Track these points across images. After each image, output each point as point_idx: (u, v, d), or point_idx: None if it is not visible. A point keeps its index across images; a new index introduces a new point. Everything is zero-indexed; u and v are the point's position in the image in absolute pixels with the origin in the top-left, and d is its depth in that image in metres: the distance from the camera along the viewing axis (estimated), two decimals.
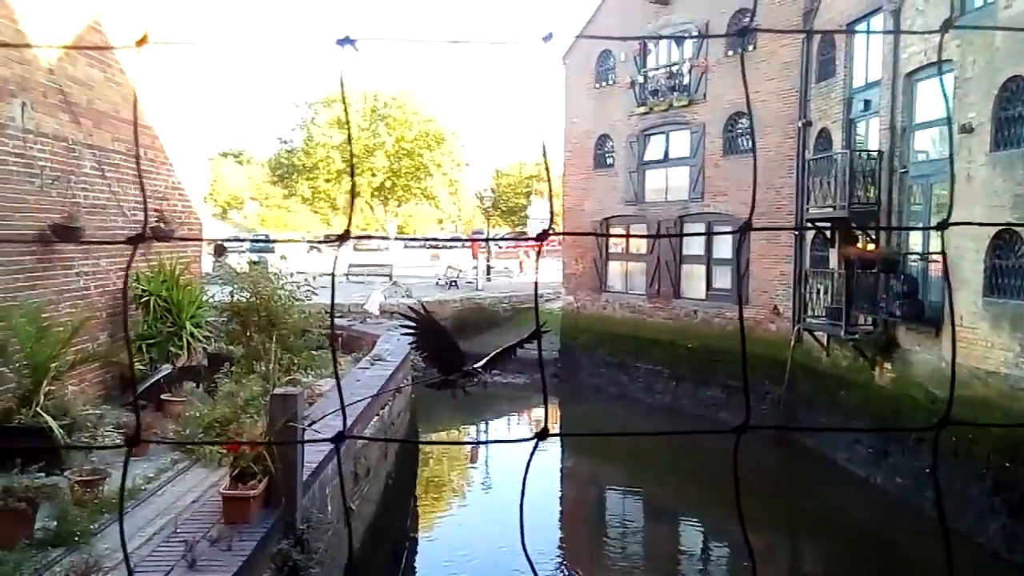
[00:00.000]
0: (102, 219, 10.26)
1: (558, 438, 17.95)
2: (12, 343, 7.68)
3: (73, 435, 7.38)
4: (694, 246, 20.25)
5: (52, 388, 7.60)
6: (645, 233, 21.09)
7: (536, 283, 1.33)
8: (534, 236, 1.07)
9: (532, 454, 1.12)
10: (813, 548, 12.93)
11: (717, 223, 19.29)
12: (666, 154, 21.04)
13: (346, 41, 1.03)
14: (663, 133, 21.06)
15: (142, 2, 10.90)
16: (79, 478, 6.49)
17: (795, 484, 14.64)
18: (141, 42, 1.05)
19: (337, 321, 15.14)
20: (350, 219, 1.12)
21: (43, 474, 6.34)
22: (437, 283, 29.59)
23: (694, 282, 20.15)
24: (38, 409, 7.26)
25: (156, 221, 11.61)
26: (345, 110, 1.28)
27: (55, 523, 5.77)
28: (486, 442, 18.26)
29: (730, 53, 18.96)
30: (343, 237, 1.08)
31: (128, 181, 10.99)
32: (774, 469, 14.43)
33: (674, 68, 20.59)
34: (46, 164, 9.01)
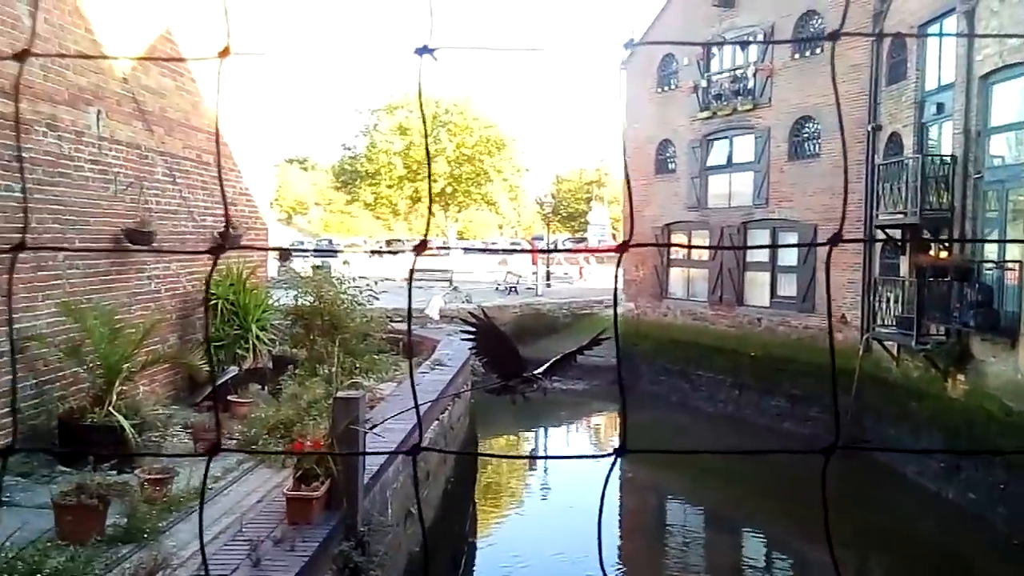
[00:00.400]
0: (173, 224, 10.55)
1: (615, 433, 17.79)
2: (86, 344, 7.94)
3: (143, 434, 7.60)
4: (758, 253, 19.90)
5: (124, 388, 7.83)
6: (708, 240, 20.81)
7: (615, 292, 1.29)
8: (615, 247, 1.03)
9: (610, 472, 1.08)
10: (881, 563, 12.55)
11: (782, 229, 18.93)
12: (729, 159, 20.75)
13: (424, 50, 1.02)
14: (726, 138, 20.77)
15: (211, 11, 11.19)
16: (148, 476, 6.65)
17: (864, 497, 14.22)
18: (223, 53, 1.06)
19: (397, 325, 15.28)
20: (427, 228, 1.10)
21: (114, 472, 6.53)
22: (497, 288, 29.67)
23: (758, 289, 19.80)
24: (110, 408, 7.48)
25: (224, 226, 11.90)
26: (424, 120, 1.27)
27: (125, 520, 5.92)
28: (562, 457, 18.19)
29: (796, 56, 18.61)
30: (420, 247, 1.06)
31: (197, 187, 11.28)
32: (842, 481, 14.04)
33: (738, 72, 20.29)
34: (120, 171, 9.30)
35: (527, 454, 18.06)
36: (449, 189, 58.30)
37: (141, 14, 9.56)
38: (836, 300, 17.17)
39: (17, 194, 7.52)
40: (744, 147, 20.20)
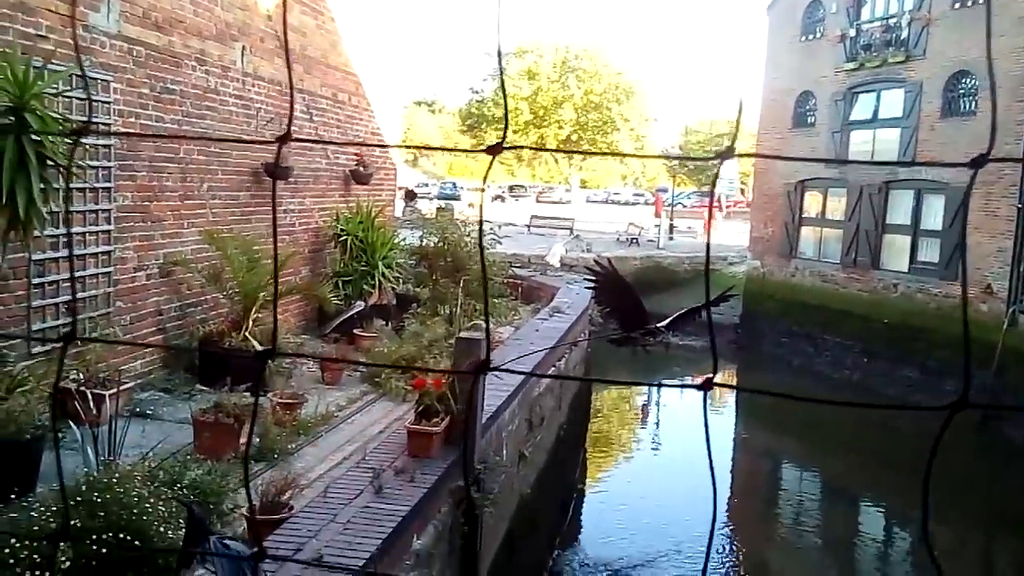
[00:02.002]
0: (309, 160, 10.86)
1: (732, 393, 17.46)
2: (226, 271, 8.33)
3: (275, 361, 7.94)
4: (899, 214, 18.80)
5: (259, 315, 8.20)
6: (845, 200, 19.81)
7: (708, 244, 1.19)
8: (486, 148, 0.93)
9: (705, 405, 1.03)
10: (1009, 546, 11.89)
11: (928, 191, 17.80)
12: (875, 114, 19.56)
13: None
14: (873, 91, 19.55)
15: None
16: (280, 400, 6.97)
17: (995, 476, 13.49)
18: None
19: (517, 271, 15.34)
20: (505, 130, 1.02)
21: (248, 394, 6.87)
22: (618, 239, 29.34)
23: (896, 253, 18.75)
24: (246, 334, 7.85)
25: (356, 164, 12.17)
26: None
27: (257, 440, 6.23)
28: (654, 384, 18.00)
29: (956, 5, 17.21)
30: (494, 148, 0.98)
31: (332, 125, 11.55)
32: (973, 458, 13.32)
33: (892, 21, 18.98)
34: (261, 106, 9.61)
35: (621, 380, 17.88)
36: (575, 137, 57.78)
37: None
38: (982, 269, 16.08)
39: (169, 125, 7.89)
40: (892, 102, 18.97)
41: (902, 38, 18.60)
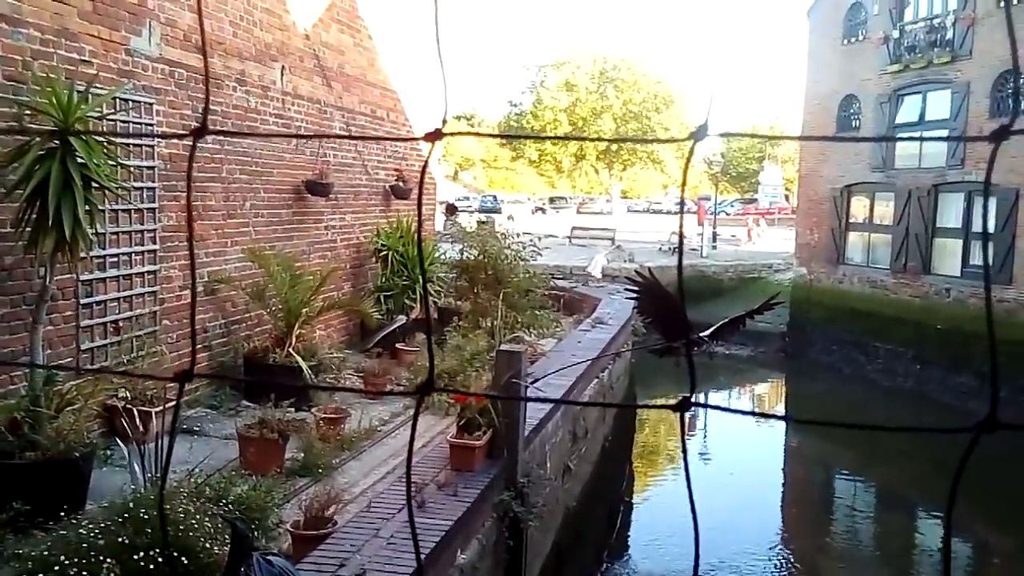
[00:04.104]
0: (348, 176, 10.95)
1: (782, 401, 17.14)
2: (269, 288, 8.41)
3: (319, 375, 7.99)
4: (949, 217, 18.35)
5: (302, 331, 8.26)
6: (893, 204, 19.39)
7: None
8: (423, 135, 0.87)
9: (682, 425, 0.95)
10: None
11: (978, 193, 17.35)
12: (922, 116, 19.15)
13: None
14: (919, 93, 19.15)
15: None
16: (324, 415, 7.00)
17: None
18: None
19: (559, 283, 15.26)
20: (446, 112, 0.97)
21: (293, 409, 6.91)
22: (660, 248, 29.10)
23: (948, 258, 18.29)
24: (290, 350, 7.91)
25: (396, 180, 12.24)
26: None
27: (302, 455, 6.26)
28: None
29: (1001, 3, 16.81)
30: (433, 135, 0.93)
31: (370, 141, 11.64)
32: None
33: (936, 21, 18.59)
34: (301, 124, 9.72)
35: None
36: (614, 147, 57.57)
37: None
38: None
39: (211, 145, 8.01)
40: (939, 103, 18.55)
41: (947, 38, 18.21)
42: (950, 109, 18.12)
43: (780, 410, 17.11)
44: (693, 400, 0.90)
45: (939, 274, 18.37)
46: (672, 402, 0.90)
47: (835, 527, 12.16)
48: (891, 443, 14.86)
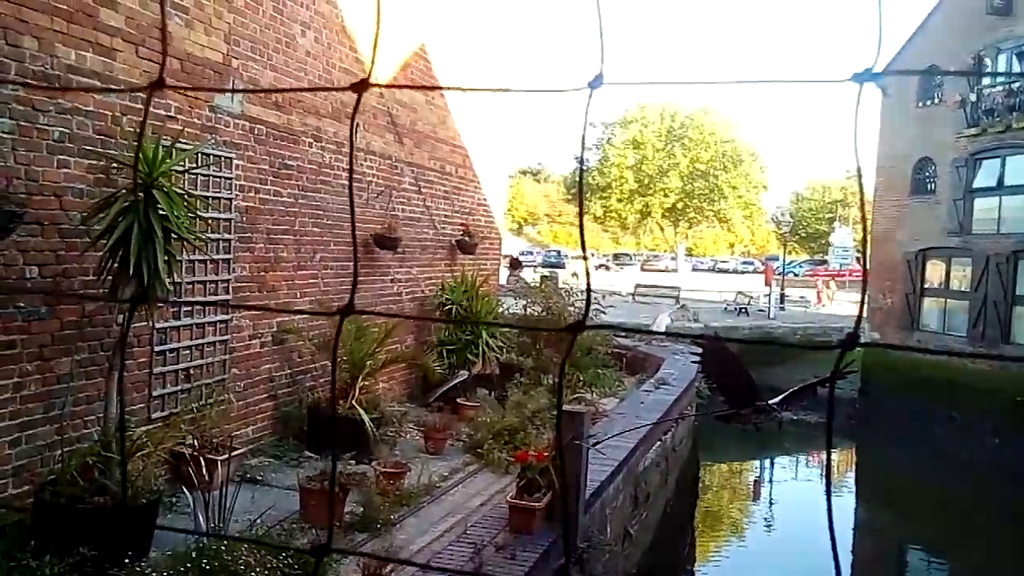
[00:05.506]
0: (416, 231, 11.11)
1: (851, 471, 16.48)
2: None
3: (380, 429, 8.01)
4: None
5: (366, 384, 8.31)
6: (970, 269, 18.79)
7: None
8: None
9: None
10: None
11: None
12: (1000, 180, 18.63)
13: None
14: (998, 157, 18.68)
15: (461, 28, 11.70)
16: (384, 469, 6.99)
17: None
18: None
19: (622, 341, 15.12)
20: (372, 63, 0.97)
21: (354, 462, 6.92)
22: (726, 309, 28.66)
23: None
24: (353, 402, 7.95)
25: (462, 234, 12.37)
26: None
27: (361, 509, 6.24)
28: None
29: None
30: (360, 85, 0.93)
31: (439, 196, 11.82)
32: None
33: (1015, 85, 18.19)
34: (372, 179, 9.93)
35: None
36: (680, 205, 57.43)
37: (398, 31, 10.13)
38: None
39: (285, 199, 8.23)
40: (1018, 167, 18.06)
41: None
42: None
43: (851, 480, 16.49)
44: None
45: (1019, 343, 17.65)
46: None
47: None
48: (971, 520, 14.16)
